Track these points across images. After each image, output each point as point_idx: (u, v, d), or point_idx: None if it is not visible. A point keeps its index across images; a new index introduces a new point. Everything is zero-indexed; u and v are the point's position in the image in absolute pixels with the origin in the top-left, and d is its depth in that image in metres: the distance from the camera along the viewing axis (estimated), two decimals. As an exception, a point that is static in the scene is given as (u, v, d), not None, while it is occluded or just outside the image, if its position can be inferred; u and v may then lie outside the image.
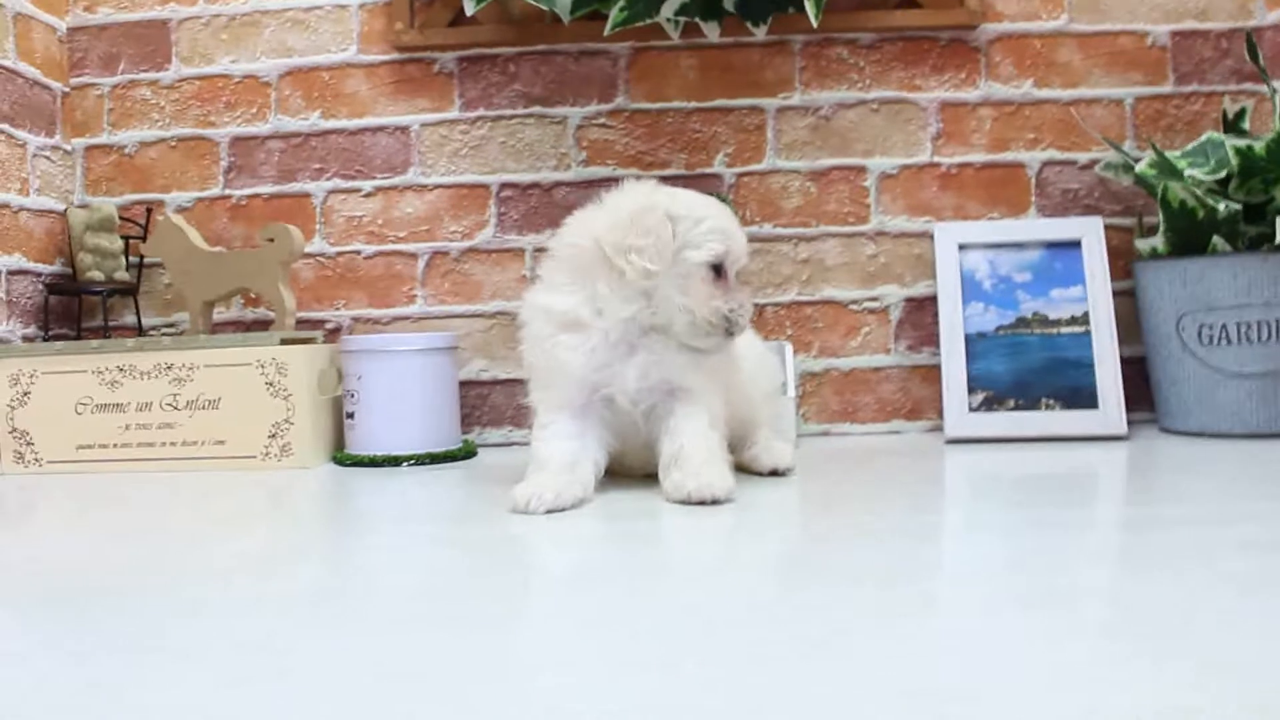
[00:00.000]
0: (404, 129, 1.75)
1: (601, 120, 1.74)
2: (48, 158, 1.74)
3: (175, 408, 1.52)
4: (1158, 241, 1.58)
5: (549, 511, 1.07)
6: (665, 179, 1.69)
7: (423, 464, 1.50)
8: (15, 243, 1.64)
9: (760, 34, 1.65)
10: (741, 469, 1.28)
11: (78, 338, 1.74)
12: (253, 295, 1.74)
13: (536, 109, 1.74)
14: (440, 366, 1.55)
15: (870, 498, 1.17)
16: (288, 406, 1.50)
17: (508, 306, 1.73)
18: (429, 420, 1.53)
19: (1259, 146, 1.48)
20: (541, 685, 0.58)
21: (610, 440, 1.16)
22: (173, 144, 1.79)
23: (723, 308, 1.11)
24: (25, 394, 1.55)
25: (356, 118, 1.76)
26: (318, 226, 1.77)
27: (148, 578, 0.87)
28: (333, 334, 1.76)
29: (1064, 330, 1.63)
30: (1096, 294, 1.62)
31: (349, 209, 1.77)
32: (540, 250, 1.73)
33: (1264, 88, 1.69)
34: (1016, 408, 1.60)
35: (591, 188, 1.72)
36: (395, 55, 1.75)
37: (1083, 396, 1.59)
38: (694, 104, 1.73)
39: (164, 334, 1.79)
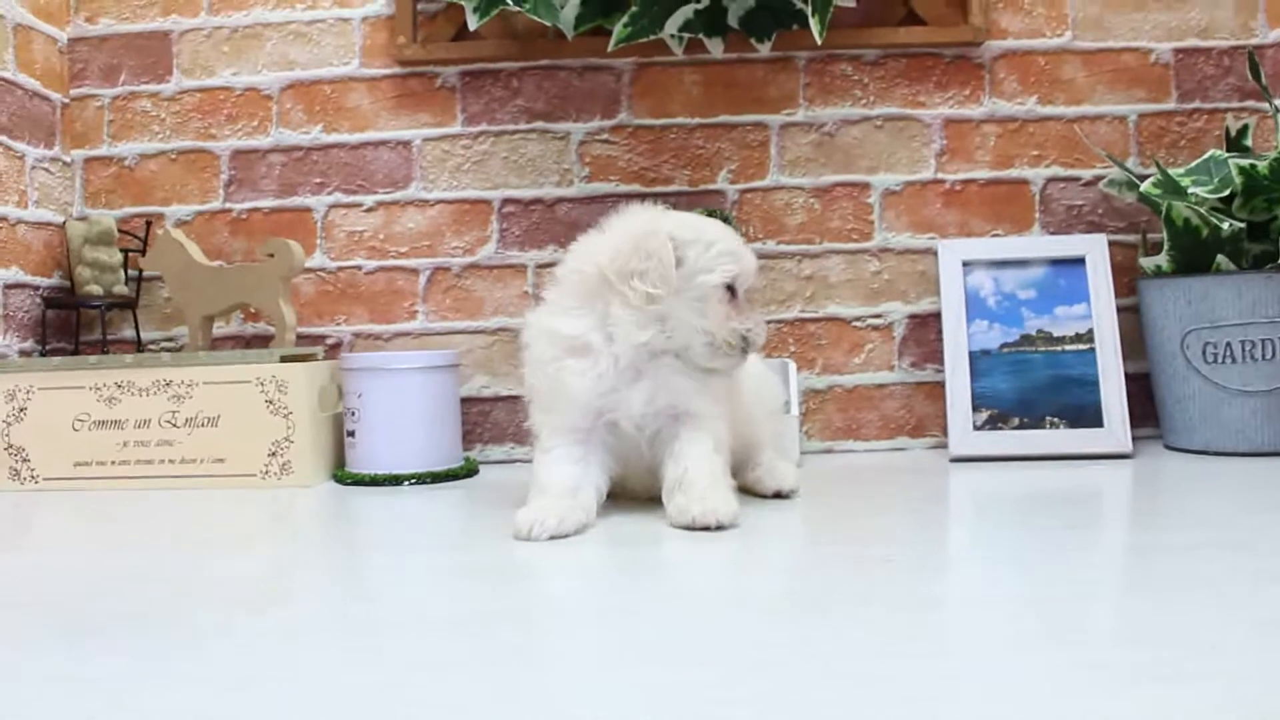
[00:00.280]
0: (406, 143, 1.75)
1: (604, 136, 1.73)
2: (46, 169, 1.73)
3: (174, 425, 1.51)
4: (1162, 259, 1.57)
5: (552, 538, 1.06)
6: (668, 195, 1.70)
7: (424, 483, 1.49)
8: (12, 255, 1.63)
9: (764, 50, 1.65)
10: (745, 491, 1.27)
11: (75, 352, 1.72)
12: (253, 310, 1.73)
13: (539, 124, 1.73)
14: (441, 384, 1.54)
15: (875, 521, 1.16)
16: (288, 424, 1.49)
17: (510, 323, 1.72)
18: (430, 438, 1.52)
19: (1262, 165, 1.48)
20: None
21: (613, 465, 1.16)
22: (173, 157, 1.78)
23: (740, 328, 1.12)
24: (22, 410, 1.54)
25: (358, 132, 1.75)
26: (319, 241, 1.76)
27: (146, 598, 0.86)
28: (333, 349, 1.75)
29: (1068, 348, 1.62)
30: (1101, 311, 1.61)
31: (350, 224, 1.76)
32: (542, 266, 1.72)
33: (1266, 105, 1.69)
34: (1021, 426, 1.59)
35: (594, 204, 1.72)
36: (398, 69, 1.74)
37: (1087, 414, 1.58)
38: (697, 120, 1.73)
39: (163, 348, 1.78)
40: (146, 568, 1.02)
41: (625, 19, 1.55)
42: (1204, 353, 1.54)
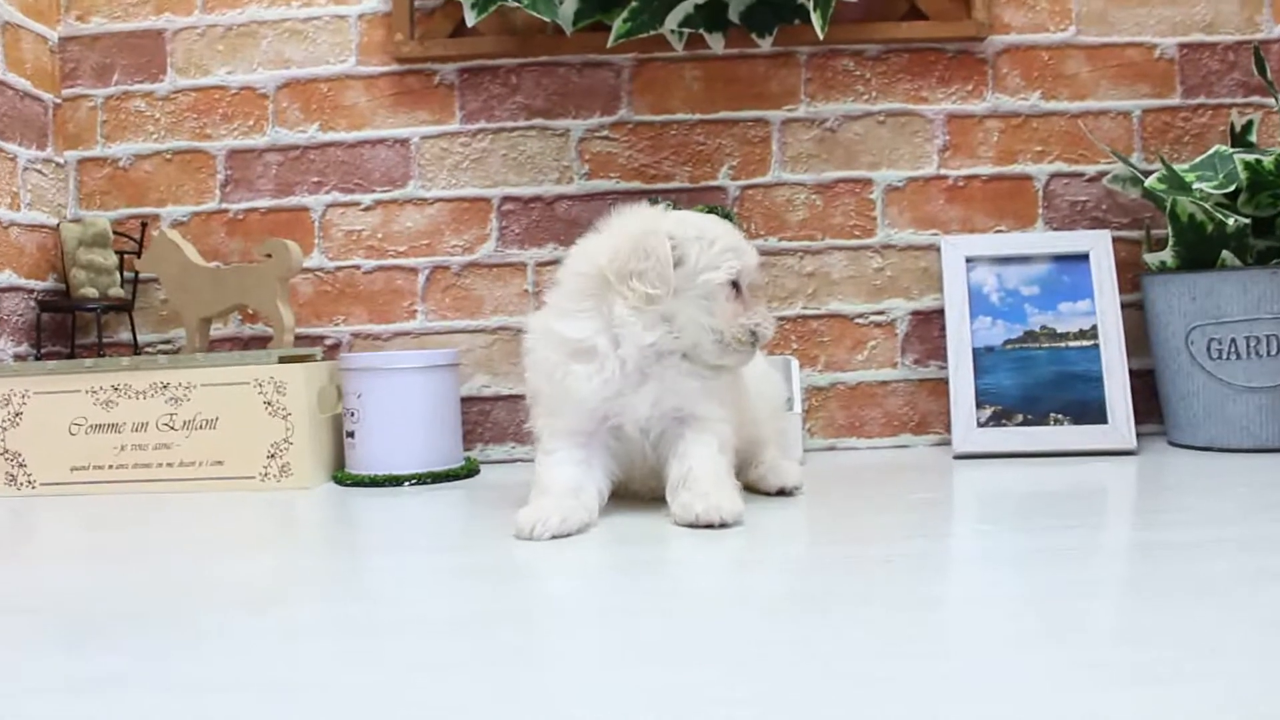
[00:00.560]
0: (404, 141, 1.73)
1: (604, 133, 1.72)
2: (39, 171, 1.71)
3: (172, 428, 1.50)
4: (1166, 255, 1.56)
5: (554, 537, 1.05)
6: (669, 192, 1.69)
7: (424, 483, 1.48)
8: (6, 259, 1.61)
9: (765, 45, 1.64)
10: (748, 488, 1.26)
11: (71, 355, 1.71)
12: (251, 311, 1.72)
13: (538, 121, 1.72)
14: (441, 384, 1.53)
15: (879, 519, 1.15)
16: (287, 426, 1.48)
17: (509, 322, 1.71)
18: (430, 439, 1.50)
19: (1268, 161, 1.47)
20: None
21: (615, 468, 1.15)
22: (168, 157, 1.76)
23: (748, 323, 1.11)
24: (17, 414, 1.52)
25: (355, 130, 1.74)
26: (316, 241, 1.74)
27: (146, 600, 0.85)
28: (332, 350, 1.73)
29: (1072, 344, 1.61)
30: (1105, 307, 1.60)
31: (348, 223, 1.74)
32: (542, 265, 1.71)
33: (1271, 100, 1.68)
34: (1025, 422, 1.58)
35: (594, 201, 1.70)
36: (395, 66, 1.73)
37: (1091, 411, 1.57)
38: (698, 116, 1.71)
39: (160, 351, 1.76)
40: (146, 570, 1.01)
41: (625, 14, 1.54)
42: (1208, 349, 1.53)
